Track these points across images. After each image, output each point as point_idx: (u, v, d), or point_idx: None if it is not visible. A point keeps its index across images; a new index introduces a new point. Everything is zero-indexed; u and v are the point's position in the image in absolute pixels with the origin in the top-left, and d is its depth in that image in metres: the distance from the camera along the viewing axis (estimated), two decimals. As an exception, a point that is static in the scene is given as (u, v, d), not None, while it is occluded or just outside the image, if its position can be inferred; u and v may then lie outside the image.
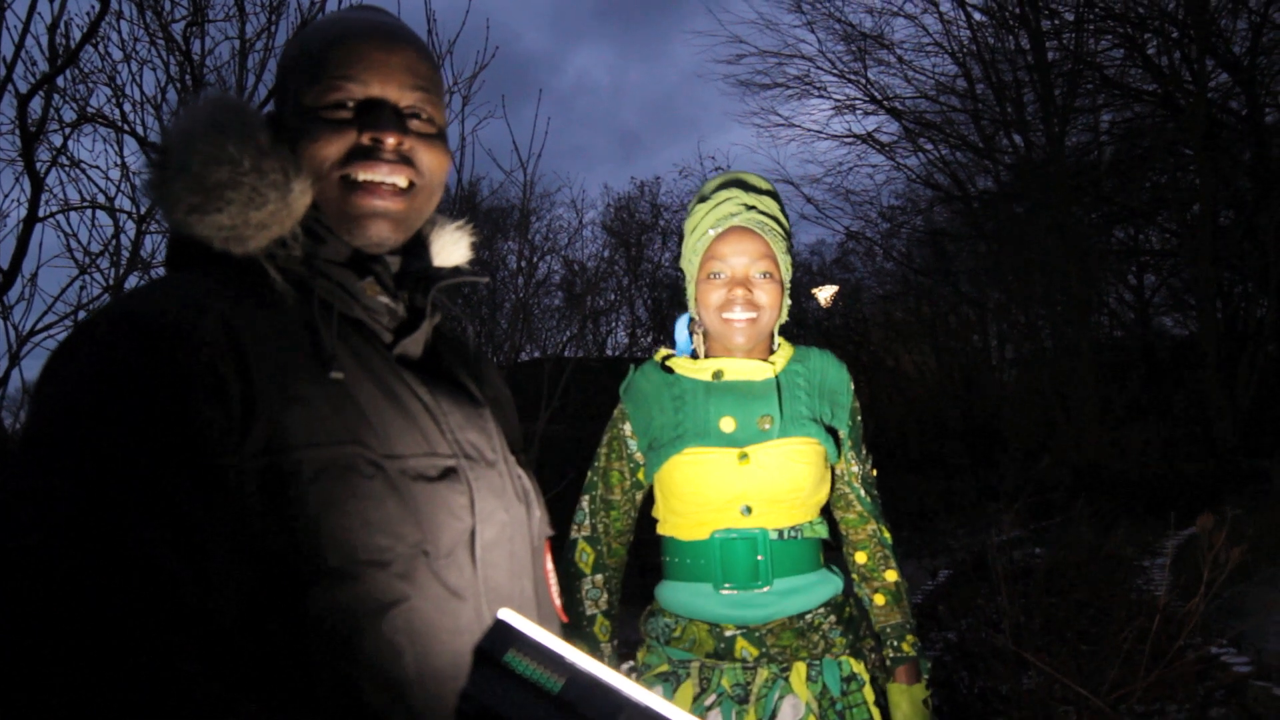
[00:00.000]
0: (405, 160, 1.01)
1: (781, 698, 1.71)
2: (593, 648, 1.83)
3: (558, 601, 1.14)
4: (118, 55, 3.76)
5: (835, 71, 16.61)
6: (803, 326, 17.05)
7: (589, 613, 1.84)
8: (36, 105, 3.44)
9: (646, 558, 1.96)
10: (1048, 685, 3.72)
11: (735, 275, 1.78)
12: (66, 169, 3.74)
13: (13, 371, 3.48)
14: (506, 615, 0.67)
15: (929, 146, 16.75)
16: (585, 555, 1.86)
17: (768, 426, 1.76)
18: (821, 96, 17.26)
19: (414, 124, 1.02)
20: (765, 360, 1.83)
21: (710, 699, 1.73)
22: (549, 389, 5.27)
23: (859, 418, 1.90)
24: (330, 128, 0.99)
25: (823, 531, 1.82)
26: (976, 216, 16.86)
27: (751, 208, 1.79)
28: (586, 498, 1.89)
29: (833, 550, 1.91)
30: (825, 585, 1.79)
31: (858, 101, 16.69)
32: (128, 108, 3.80)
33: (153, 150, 0.96)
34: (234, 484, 0.83)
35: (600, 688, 0.64)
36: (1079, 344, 13.62)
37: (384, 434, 0.92)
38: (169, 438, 0.81)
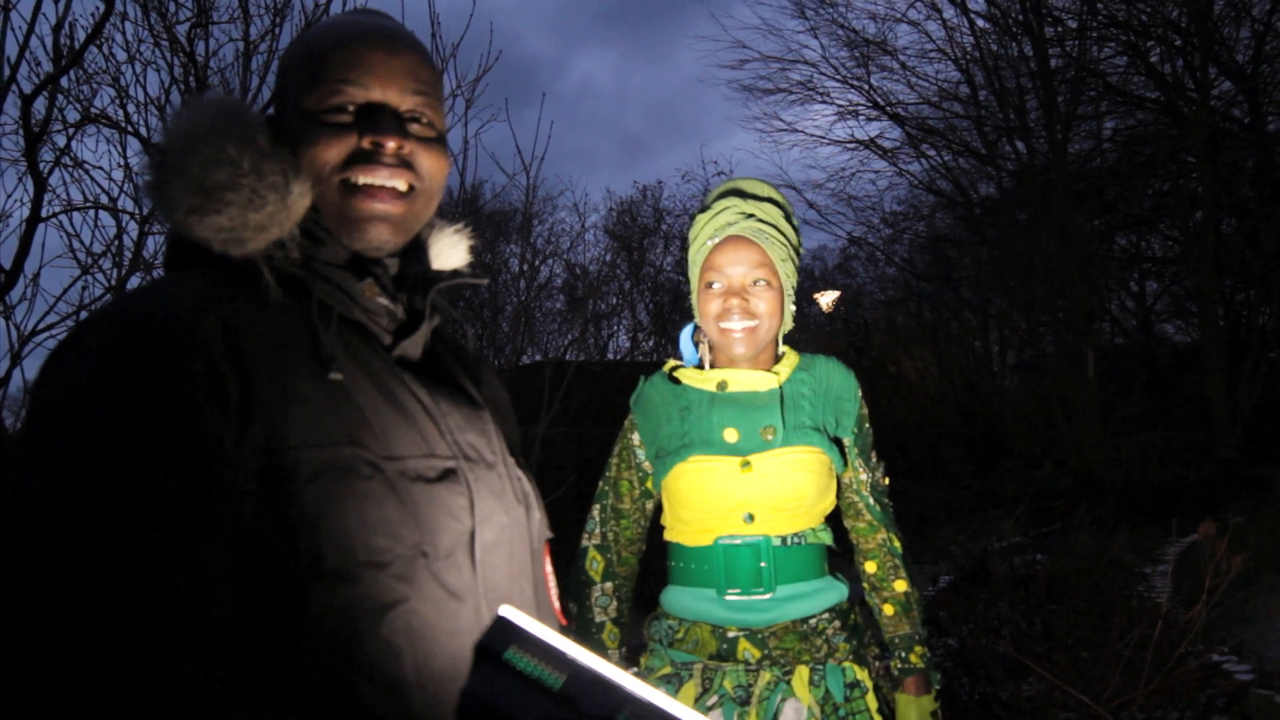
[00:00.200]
0: (405, 164, 1.01)
1: (784, 700, 1.71)
2: (601, 655, 1.83)
3: (557, 604, 1.14)
4: (122, 56, 3.78)
5: (838, 77, 16.64)
6: (804, 332, 17.05)
7: (598, 620, 1.86)
8: (40, 105, 3.45)
9: (649, 563, 1.98)
10: (1048, 692, 3.71)
11: (732, 285, 1.79)
12: (70, 169, 3.75)
13: (14, 371, 3.49)
14: (507, 612, 0.67)
15: (932, 152, 16.76)
16: (595, 563, 1.88)
17: (770, 438, 1.77)
18: (824, 102, 17.23)
19: (414, 128, 1.02)
20: (769, 370, 1.83)
21: (712, 700, 1.74)
22: (550, 392, 5.27)
23: (868, 425, 1.89)
24: (331, 131, 0.99)
25: (827, 539, 1.82)
26: (979, 223, 16.85)
27: (750, 216, 1.79)
28: (597, 506, 1.91)
29: (842, 558, 1.90)
30: (830, 591, 1.79)
31: (860, 107, 16.71)
32: (131, 109, 3.81)
33: (152, 151, 0.96)
34: (232, 484, 0.82)
35: (602, 684, 0.64)
36: (1081, 350, 13.61)
37: (383, 435, 0.92)
38: (168, 438, 0.81)
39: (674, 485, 1.80)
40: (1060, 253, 13.44)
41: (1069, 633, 4.36)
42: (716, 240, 1.81)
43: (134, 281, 3.63)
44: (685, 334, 1.93)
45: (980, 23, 15.42)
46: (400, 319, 1.05)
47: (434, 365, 1.07)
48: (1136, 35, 14.08)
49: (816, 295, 17.16)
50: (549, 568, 1.14)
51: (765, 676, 1.73)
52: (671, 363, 1.93)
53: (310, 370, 0.91)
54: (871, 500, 1.87)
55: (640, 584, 1.97)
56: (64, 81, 3.57)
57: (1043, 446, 14.39)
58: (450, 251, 1.15)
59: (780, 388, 1.82)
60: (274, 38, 3.94)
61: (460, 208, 5.02)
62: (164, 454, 0.80)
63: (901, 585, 1.86)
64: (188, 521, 0.79)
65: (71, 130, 3.72)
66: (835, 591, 1.80)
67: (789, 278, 1.82)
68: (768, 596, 1.74)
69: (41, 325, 3.59)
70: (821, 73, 16.83)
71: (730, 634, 1.76)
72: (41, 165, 3.43)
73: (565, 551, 2.02)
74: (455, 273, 1.12)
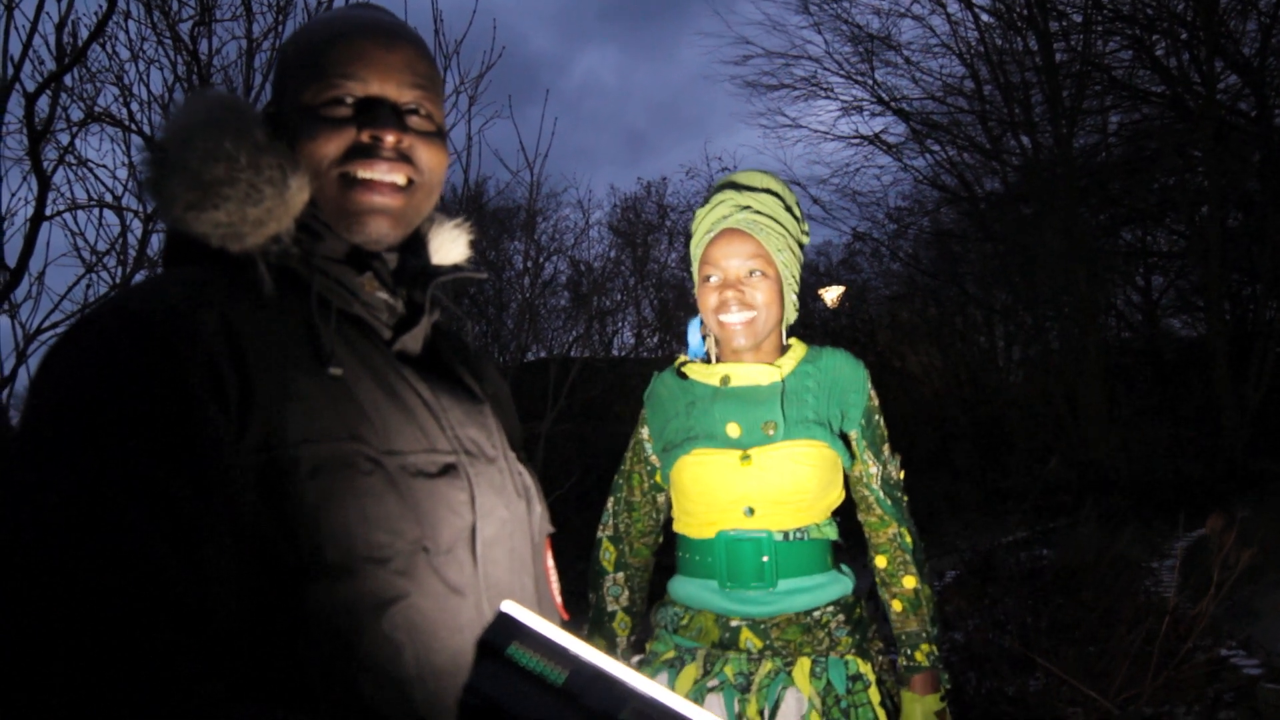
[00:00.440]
0: (404, 158, 1.00)
1: (784, 690, 1.72)
2: (610, 643, 1.90)
3: (559, 599, 1.13)
4: (125, 54, 3.78)
5: (842, 73, 16.59)
6: (809, 327, 17.03)
7: (609, 609, 1.92)
8: (44, 104, 3.45)
9: (660, 556, 2.01)
10: (1055, 687, 3.71)
11: (728, 277, 1.80)
12: (74, 168, 3.76)
13: (20, 370, 3.50)
14: (510, 608, 0.67)
15: (936, 148, 16.70)
16: (608, 554, 1.95)
17: (772, 432, 1.78)
18: (828, 97, 17.23)
19: (413, 121, 1.02)
20: (774, 363, 1.84)
21: (713, 682, 1.75)
22: (555, 389, 5.27)
23: (878, 418, 1.88)
24: (329, 125, 0.98)
25: (832, 534, 1.81)
26: (984, 218, 16.81)
27: (746, 207, 1.80)
28: (611, 499, 1.98)
29: (852, 551, 1.90)
30: (833, 585, 1.79)
31: (865, 102, 16.66)
32: (135, 107, 3.82)
33: (150, 147, 0.96)
34: (232, 480, 0.82)
35: (605, 680, 0.63)
36: (1086, 346, 13.58)
37: (383, 430, 0.92)
38: (167, 434, 0.80)
39: (678, 478, 1.82)
40: (1065, 248, 13.41)
41: (1075, 627, 4.36)
42: (712, 234, 1.82)
43: (139, 280, 3.63)
44: (693, 327, 1.94)
45: (985, 17, 15.37)
46: (400, 313, 1.04)
47: (434, 360, 1.07)
48: (1142, 29, 14.03)
49: (821, 291, 17.13)
50: (550, 562, 1.13)
51: (767, 666, 1.74)
52: (681, 358, 1.95)
53: (310, 365, 0.90)
54: (882, 494, 1.86)
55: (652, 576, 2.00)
56: (67, 80, 3.58)
57: (1048, 442, 14.36)
58: (450, 246, 1.15)
59: (783, 381, 1.82)
60: (277, 35, 3.94)
61: (464, 204, 5.02)
62: (163, 451, 0.79)
63: (911, 582, 1.85)
64: (187, 519, 0.78)
65: (75, 129, 3.73)
66: (839, 585, 1.80)
67: (787, 267, 1.81)
68: (770, 591, 1.75)
69: (46, 324, 3.60)
70: (825, 68, 16.80)
71: (733, 623, 1.77)
72: (45, 164, 3.44)
73: (569, 547, 2.03)
74: (455, 267, 1.11)
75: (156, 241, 3.75)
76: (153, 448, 0.79)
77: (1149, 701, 3.66)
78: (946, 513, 11.05)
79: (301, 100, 1.00)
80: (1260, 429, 12.68)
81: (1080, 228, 13.92)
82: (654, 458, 1.91)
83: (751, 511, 1.76)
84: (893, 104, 16.52)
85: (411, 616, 0.87)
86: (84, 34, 3.46)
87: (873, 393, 1.87)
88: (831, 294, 16.91)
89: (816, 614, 1.76)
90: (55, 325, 3.59)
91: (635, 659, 1.90)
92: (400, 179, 1.00)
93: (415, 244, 1.10)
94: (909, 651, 1.83)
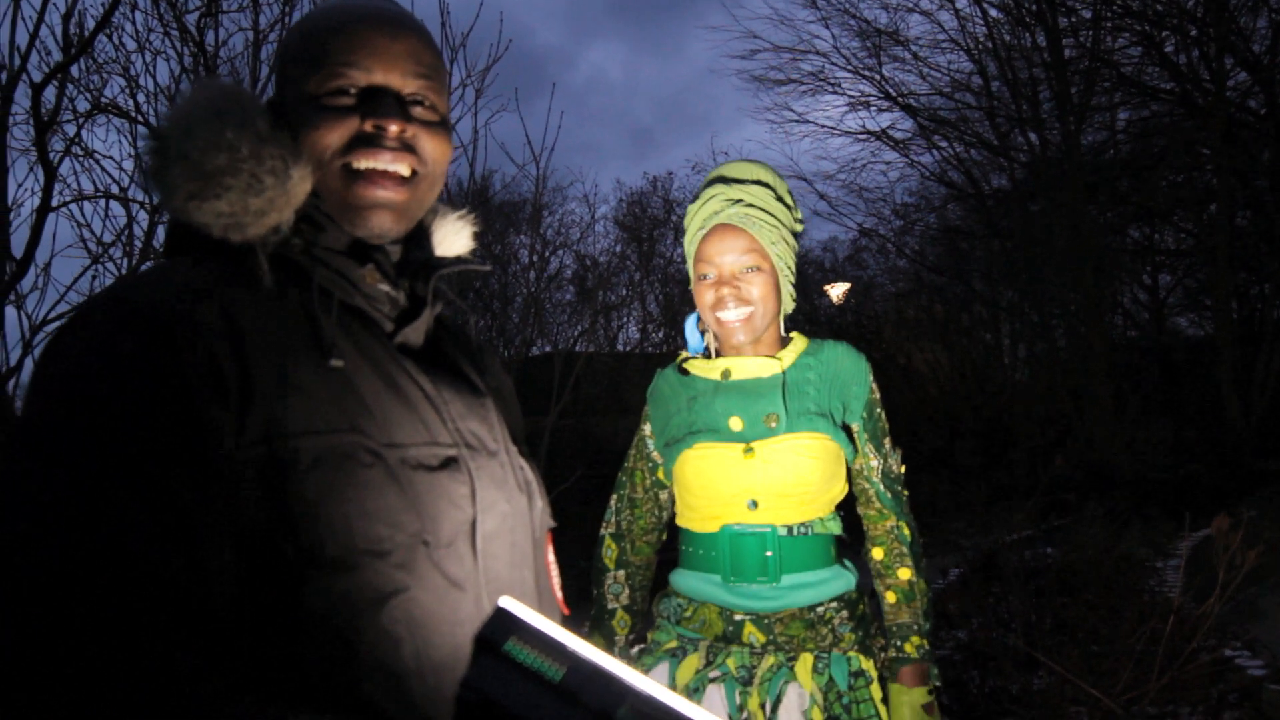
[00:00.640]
0: (408, 148, 0.99)
1: (786, 684, 1.72)
2: (610, 640, 1.90)
3: (560, 593, 1.13)
4: (131, 46, 3.79)
5: (850, 68, 16.51)
6: (815, 323, 17.01)
7: (609, 606, 1.92)
8: (50, 95, 3.45)
9: (660, 552, 2.01)
10: (1059, 686, 3.70)
11: (722, 274, 1.80)
12: (80, 159, 3.76)
13: (26, 360, 3.50)
14: (507, 603, 0.66)
15: (943, 144, 16.64)
16: (610, 551, 1.95)
17: (774, 425, 1.77)
18: (835, 93, 17.09)
19: (417, 111, 1.01)
20: (774, 356, 1.83)
21: (715, 674, 1.76)
22: (560, 383, 5.26)
23: (879, 410, 1.88)
24: (332, 115, 0.97)
25: (836, 528, 1.81)
26: (991, 214, 16.76)
27: (737, 201, 1.79)
28: (615, 496, 1.98)
29: (855, 546, 1.90)
30: (837, 580, 1.79)
31: (872, 98, 16.60)
32: (141, 98, 3.83)
33: (152, 136, 0.95)
34: (231, 473, 0.81)
35: (603, 677, 0.63)
36: (1092, 344, 13.54)
37: (384, 422, 0.91)
38: (166, 428, 0.80)
39: (681, 472, 1.83)
40: (1072, 245, 13.36)
41: (1080, 626, 4.34)
42: (705, 230, 1.82)
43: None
44: (690, 323, 1.94)
45: (993, 12, 15.31)
46: (402, 306, 1.04)
47: (436, 352, 1.06)
48: (1151, 25, 13.96)
49: (827, 287, 17.10)
50: (551, 557, 1.13)
51: (769, 660, 1.74)
52: (683, 354, 1.95)
53: (310, 357, 0.90)
54: (882, 487, 1.86)
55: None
56: (74, 71, 3.58)
57: (1054, 440, 14.33)
58: (454, 238, 1.14)
59: (784, 374, 1.82)
60: (284, 27, 3.94)
61: (470, 198, 5.02)
62: (163, 445, 0.79)
63: (905, 573, 1.85)
64: (186, 513, 0.78)
65: (81, 119, 3.73)
66: (842, 580, 1.80)
67: (782, 258, 1.81)
68: (773, 585, 1.75)
69: (52, 315, 3.61)
70: (833, 63, 16.75)
71: (737, 617, 1.78)
72: (52, 155, 3.45)
73: (573, 542, 2.03)
74: (458, 259, 1.11)
75: (162, 233, 3.75)
76: (152, 442, 0.79)
77: (1153, 701, 3.65)
78: (950, 510, 11.03)
79: (304, 89, 0.99)
80: (1267, 429, 12.64)
81: (1087, 225, 13.87)
82: (656, 454, 1.91)
83: (755, 504, 1.75)
84: (900, 99, 16.48)
85: (411, 610, 0.87)
86: (90, 25, 3.46)
87: (874, 386, 1.87)
88: (837, 290, 16.87)
89: (820, 609, 1.76)
90: (61, 316, 3.60)
91: (636, 648, 1.90)
92: (404, 169, 0.99)
93: (419, 236, 1.09)
94: (898, 643, 1.82)
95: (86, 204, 3.73)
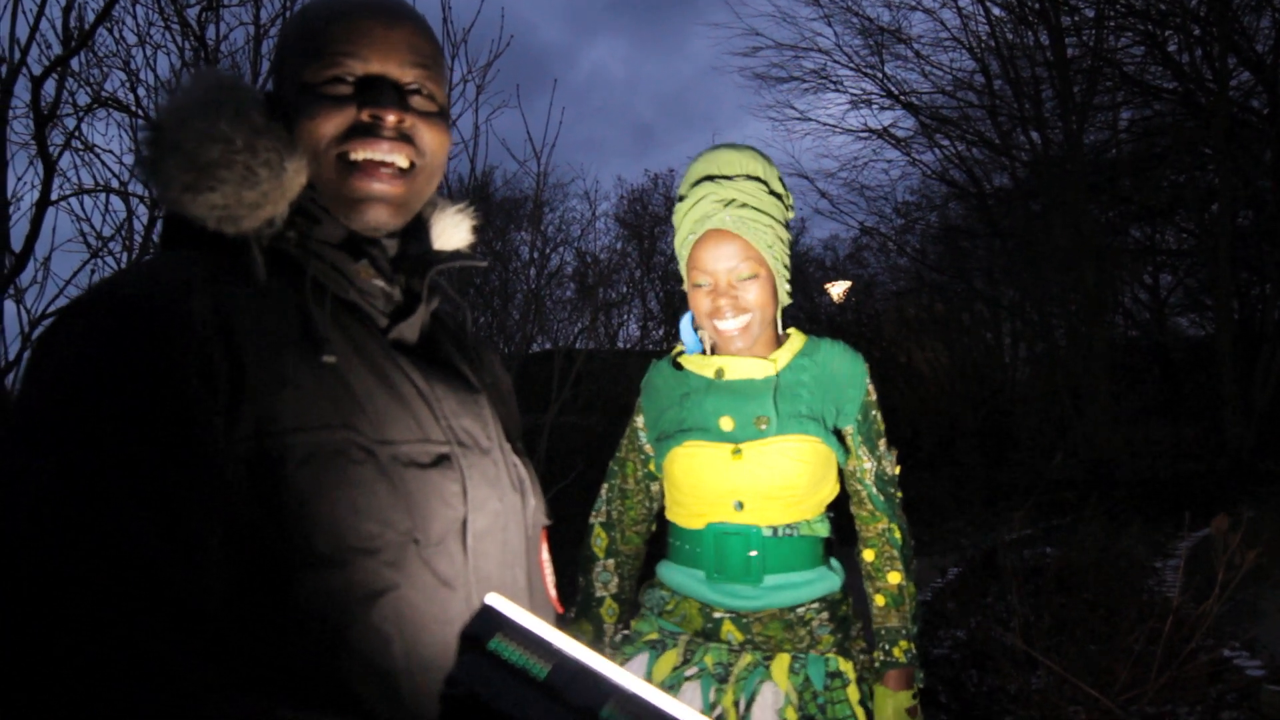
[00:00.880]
0: (405, 138, 0.98)
1: (761, 683, 1.72)
2: (597, 629, 1.89)
3: (553, 592, 1.12)
4: (132, 39, 3.78)
5: (852, 65, 16.51)
6: (815, 322, 17.00)
7: (598, 595, 1.92)
8: (50, 88, 3.44)
9: (650, 542, 2.02)
10: (1057, 685, 3.70)
11: (719, 283, 1.75)
12: (80, 153, 3.75)
13: (24, 354, 3.50)
14: (494, 600, 0.66)
15: (945, 142, 16.65)
16: (599, 540, 1.94)
17: (764, 427, 1.76)
18: (837, 91, 17.08)
19: (415, 100, 1.00)
20: (770, 355, 1.82)
21: (691, 671, 1.76)
22: (560, 380, 5.26)
23: (875, 412, 1.86)
24: (329, 104, 0.96)
25: (823, 531, 1.80)
26: (992, 213, 16.76)
27: (729, 203, 1.74)
28: (606, 485, 1.97)
29: (845, 547, 1.89)
30: (821, 582, 1.79)
31: (874, 96, 16.59)
32: (141, 92, 3.81)
33: (147, 128, 0.94)
34: (223, 469, 0.81)
35: (587, 674, 0.62)
36: (1093, 343, 13.53)
37: (376, 419, 0.90)
38: (158, 423, 0.79)
39: (670, 469, 1.83)
40: (1074, 244, 13.35)
41: (1078, 626, 4.34)
42: (697, 235, 1.77)
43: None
44: (685, 321, 1.92)
45: (996, 11, 15.29)
46: (397, 301, 1.03)
47: (431, 348, 1.05)
48: (1154, 24, 13.94)
49: (828, 285, 17.09)
50: (545, 555, 1.12)
51: (746, 658, 1.74)
52: (679, 349, 1.93)
53: (303, 352, 0.89)
54: (875, 489, 1.85)
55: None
56: (74, 64, 3.57)
57: (1054, 439, 14.34)
58: (452, 231, 1.13)
59: (777, 376, 1.80)
60: (285, 21, 3.93)
61: (471, 194, 5.02)
62: (155, 440, 0.78)
63: (895, 578, 1.84)
64: (178, 508, 0.77)
65: (81, 113, 3.72)
66: (826, 582, 1.79)
67: (778, 259, 1.78)
68: (754, 585, 1.75)
69: (51, 309, 3.59)
70: (835, 60, 16.79)
71: (716, 614, 1.78)
72: (51, 148, 3.43)
73: (572, 539, 2.03)
74: (454, 254, 1.09)
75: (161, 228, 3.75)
76: (144, 437, 0.78)
77: (1151, 701, 3.65)
78: (950, 509, 11.03)
79: (301, 79, 0.98)
80: (1267, 429, 12.64)
81: (1089, 224, 13.86)
82: (648, 446, 1.91)
83: (741, 506, 1.75)
84: (902, 98, 16.47)
85: (401, 608, 0.86)
86: (91, 18, 3.45)
87: (871, 387, 1.85)
88: (838, 288, 16.86)
89: (800, 610, 1.76)
90: (60, 311, 3.59)
91: (620, 635, 1.90)
92: (402, 160, 0.98)
93: (417, 228, 1.08)
94: (887, 647, 1.82)
95: (86, 198, 3.72)
